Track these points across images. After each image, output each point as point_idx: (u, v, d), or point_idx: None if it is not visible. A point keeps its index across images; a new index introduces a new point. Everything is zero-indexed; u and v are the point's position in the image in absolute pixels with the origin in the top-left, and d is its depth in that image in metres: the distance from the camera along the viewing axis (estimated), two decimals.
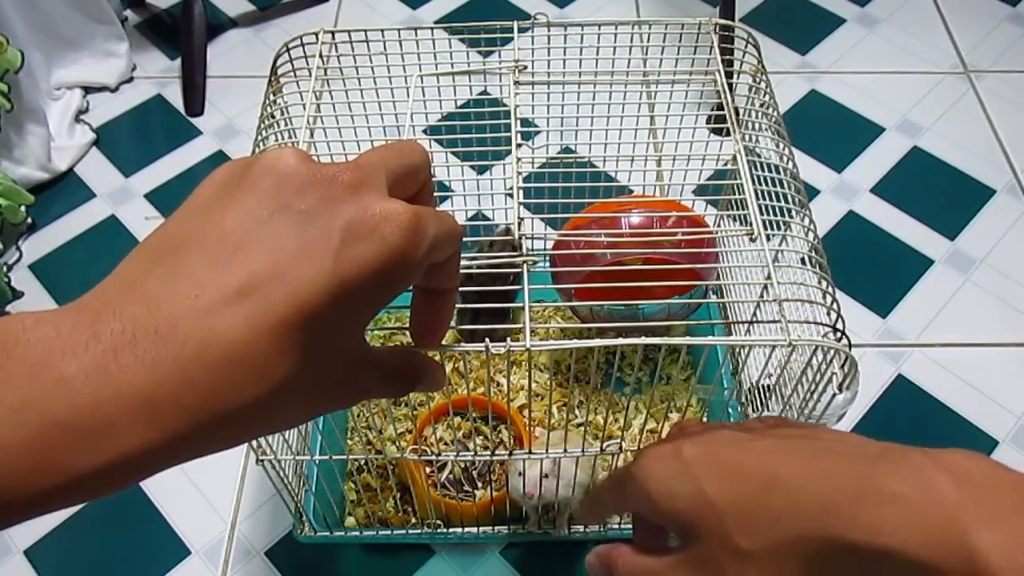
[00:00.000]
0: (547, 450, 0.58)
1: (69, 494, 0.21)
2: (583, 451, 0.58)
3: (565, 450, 0.58)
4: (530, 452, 0.58)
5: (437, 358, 0.34)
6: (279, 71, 0.58)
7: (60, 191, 1.03)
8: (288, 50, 0.58)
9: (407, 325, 0.35)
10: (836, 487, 0.29)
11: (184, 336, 0.22)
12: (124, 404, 0.21)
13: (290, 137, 0.58)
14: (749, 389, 0.67)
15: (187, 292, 0.22)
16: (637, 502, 0.35)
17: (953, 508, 0.27)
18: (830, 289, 0.48)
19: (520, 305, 0.44)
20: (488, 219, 0.91)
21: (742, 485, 0.32)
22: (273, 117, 0.57)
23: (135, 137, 1.10)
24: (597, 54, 0.62)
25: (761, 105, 0.60)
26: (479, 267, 0.46)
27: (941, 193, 1.01)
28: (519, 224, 0.49)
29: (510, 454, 0.60)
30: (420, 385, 0.33)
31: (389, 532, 0.70)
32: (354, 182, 0.26)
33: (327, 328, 0.25)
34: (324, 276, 0.24)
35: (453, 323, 0.66)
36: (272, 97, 0.58)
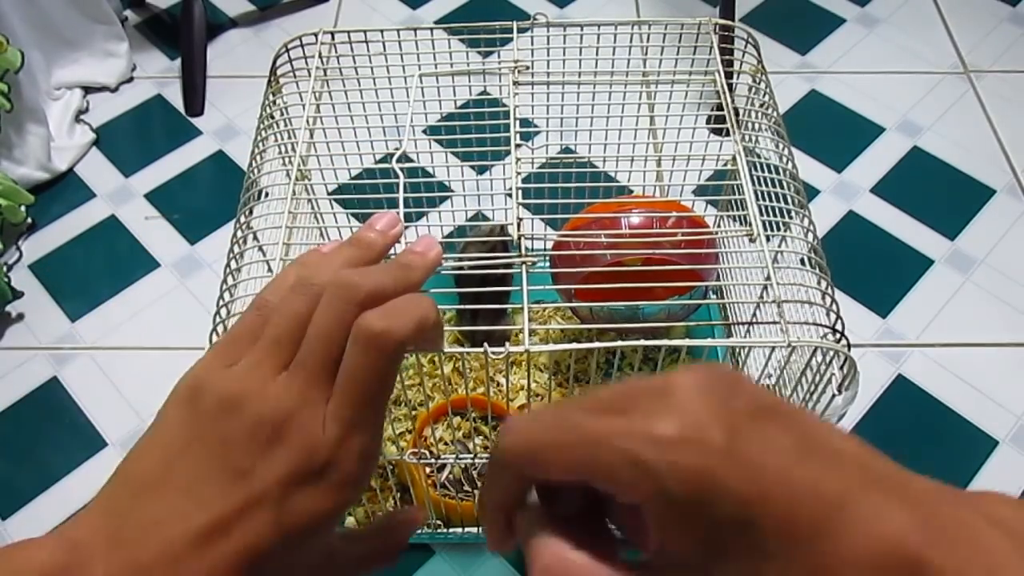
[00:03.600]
0: None
1: None
2: None
3: None
4: None
5: (437, 360, 0.35)
6: (279, 71, 0.58)
7: (60, 191, 1.03)
8: (288, 50, 0.58)
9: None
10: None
11: None
12: None
13: (290, 137, 0.58)
14: None
15: (159, 540, 0.26)
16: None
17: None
18: (829, 290, 0.48)
19: (520, 306, 0.44)
20: (488, 219, 0.91)
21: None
22: (272, 118, 0.57)
23: (135, 137, 1.10)
24: (597, 54, 0.62)
25: (761, 105, 0.60)
26: (473, 267, 0.46)
27: (941, 193, 1.01)
28: (519, 224, 0.49)
29: None
30: (406, 542, 0.35)
31: None
32: (280, 420, 0.27)
33: (279, 560, 0.27)
34: (267, 527, 0.27)
35: (452, 324, 0.66)
36: (272, 98, 0.58)
